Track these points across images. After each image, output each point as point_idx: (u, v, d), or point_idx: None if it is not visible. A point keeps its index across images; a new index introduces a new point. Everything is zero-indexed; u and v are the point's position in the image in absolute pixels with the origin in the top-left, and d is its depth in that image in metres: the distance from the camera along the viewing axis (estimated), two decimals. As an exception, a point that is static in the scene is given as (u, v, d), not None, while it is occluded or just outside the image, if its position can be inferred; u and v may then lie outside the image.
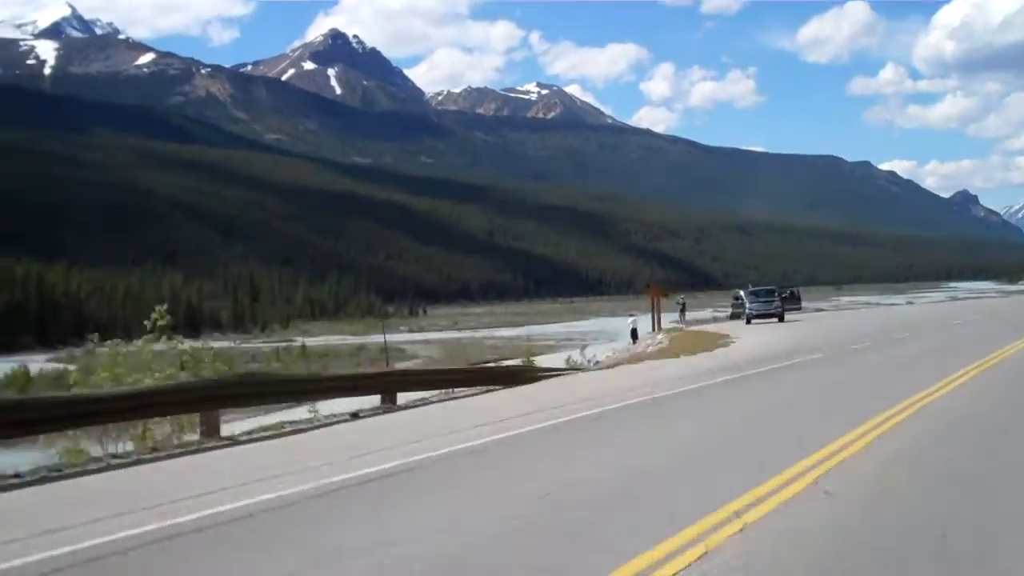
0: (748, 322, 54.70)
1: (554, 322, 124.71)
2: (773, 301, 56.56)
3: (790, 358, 24.51)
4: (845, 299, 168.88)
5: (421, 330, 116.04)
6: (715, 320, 67.08)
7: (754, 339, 35.17)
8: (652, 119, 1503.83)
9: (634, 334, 54.04)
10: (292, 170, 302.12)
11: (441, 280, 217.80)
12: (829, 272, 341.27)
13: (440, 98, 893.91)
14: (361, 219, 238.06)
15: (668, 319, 56.14)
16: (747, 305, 57.65)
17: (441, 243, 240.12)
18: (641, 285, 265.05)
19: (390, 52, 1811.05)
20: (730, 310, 66.54)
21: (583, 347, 39.40)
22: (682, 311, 62.44)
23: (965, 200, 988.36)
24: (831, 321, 59.68)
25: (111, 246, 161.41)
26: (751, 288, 65.07)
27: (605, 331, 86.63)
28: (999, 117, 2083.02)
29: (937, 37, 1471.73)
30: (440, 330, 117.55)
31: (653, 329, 51.54)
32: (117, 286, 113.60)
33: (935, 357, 23.67)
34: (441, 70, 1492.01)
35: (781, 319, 55.19)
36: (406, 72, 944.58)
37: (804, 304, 72.08)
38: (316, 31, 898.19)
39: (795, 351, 26.99)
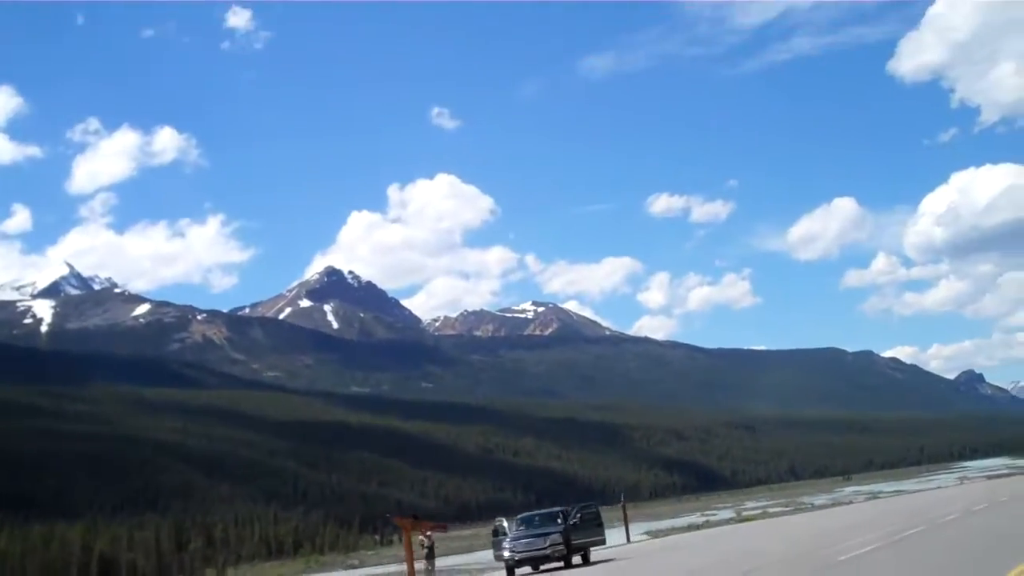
0: (510, 573, 38.50)
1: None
2: (550, 533, 38.57)
3: None
4: (850, 489, 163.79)
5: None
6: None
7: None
8: (652, 327, 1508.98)
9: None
10: (286, 405, 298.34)
11: (439, 502, 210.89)
12: (840, 462, 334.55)
13: (438, 324, 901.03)
14: (355, 448, 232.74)
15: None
16: (507, 543, 39.23)
17: (438, 466, 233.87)
18: (647, 489, 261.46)
19: (387, 284, 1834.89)
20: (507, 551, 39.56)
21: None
22: (429, 554, 40.91)
23: (971, 379, 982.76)
24: (736, 542, 43.59)
25: (89, 496, 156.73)
26: (521, 516, 45.08)
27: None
28: (994, 296, 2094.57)
29: (925, 224, 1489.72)
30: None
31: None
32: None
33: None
34: (439, 298, 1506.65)
35: (567, 563, 38.84)
36: (404, 302, 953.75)
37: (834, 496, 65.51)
38: (313, 271, 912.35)
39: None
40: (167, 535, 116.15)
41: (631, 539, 42.93)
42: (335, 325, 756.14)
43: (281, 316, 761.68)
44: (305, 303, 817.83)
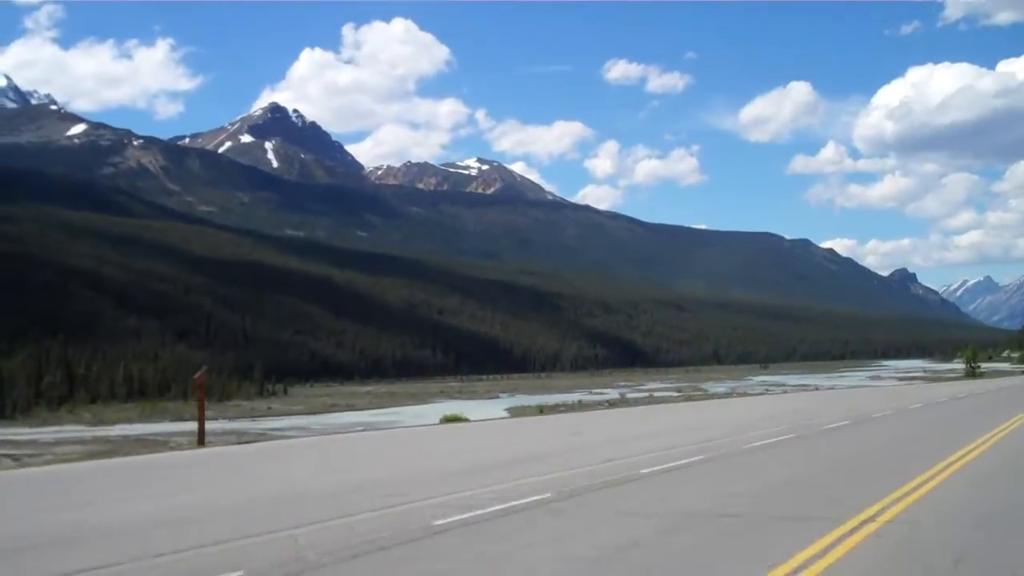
0: None
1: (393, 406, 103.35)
2: None
3: None
4: (758, 379, 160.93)
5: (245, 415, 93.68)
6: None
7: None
8: (596, 196, 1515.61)
9: None
10: (212, 241, 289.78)
11: (353, 355, 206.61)
12: (764, 349, 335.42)
13: (380, 173, 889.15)
14: (276, 292, 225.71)
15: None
16: None
17: (358, 317, 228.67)
18: (568, 360, 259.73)
19: (335, 128, 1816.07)
20: None
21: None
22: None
23: (904, 279, 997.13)
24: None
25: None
26: None
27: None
28: (937, 197, 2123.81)
29: (877, 117, 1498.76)
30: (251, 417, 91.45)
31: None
32: None
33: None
34: (387, 146, 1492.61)
35: None
36: (352, 147, 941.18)
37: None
38: (259, 107, 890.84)
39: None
40: (28, 368, 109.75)
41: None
42: (275, 164, 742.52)
43: (221, 150, 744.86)
44: (246, 138, 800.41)
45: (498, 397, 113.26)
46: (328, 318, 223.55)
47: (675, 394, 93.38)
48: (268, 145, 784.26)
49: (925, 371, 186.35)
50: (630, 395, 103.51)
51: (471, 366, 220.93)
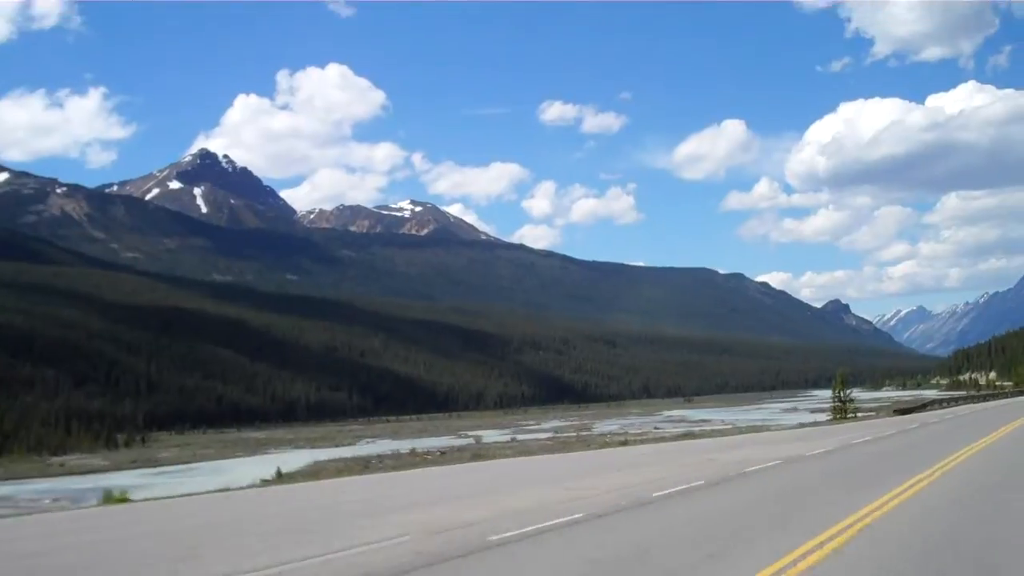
0: None
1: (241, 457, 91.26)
2: None
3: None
4: (669, 414, 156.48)
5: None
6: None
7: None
8: (534, 236, 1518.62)
9: None
10: (126, 287, 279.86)
11: (264, 399, 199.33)
12: (695, 383, 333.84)
13: (312, 216, 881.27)
14: (187, 337, 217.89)
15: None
16: None
17: (275, 361, 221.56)
18: (492, 399, 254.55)
19: (272, 173, 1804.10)
20: None
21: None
22: None
23: (837, 310, 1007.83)
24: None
25: None
26: None
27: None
28: (870, 230, 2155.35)
29: (809, 153, 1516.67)
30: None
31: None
32: None
33: None
34: (323, 191, 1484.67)
35: None
36: (288, 192, 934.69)
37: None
38: (190, 153, 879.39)
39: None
40: None
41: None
42: (204, 210, 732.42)
43: (149, 196, 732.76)
44: (175, 185, 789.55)
45: (356, 443, 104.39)
46: (242, 362, 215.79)
47: (545, 437, 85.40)
48: (197, 191, 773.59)
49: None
50: (501, 439, 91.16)
51: (391, 407, 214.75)
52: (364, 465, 41.78)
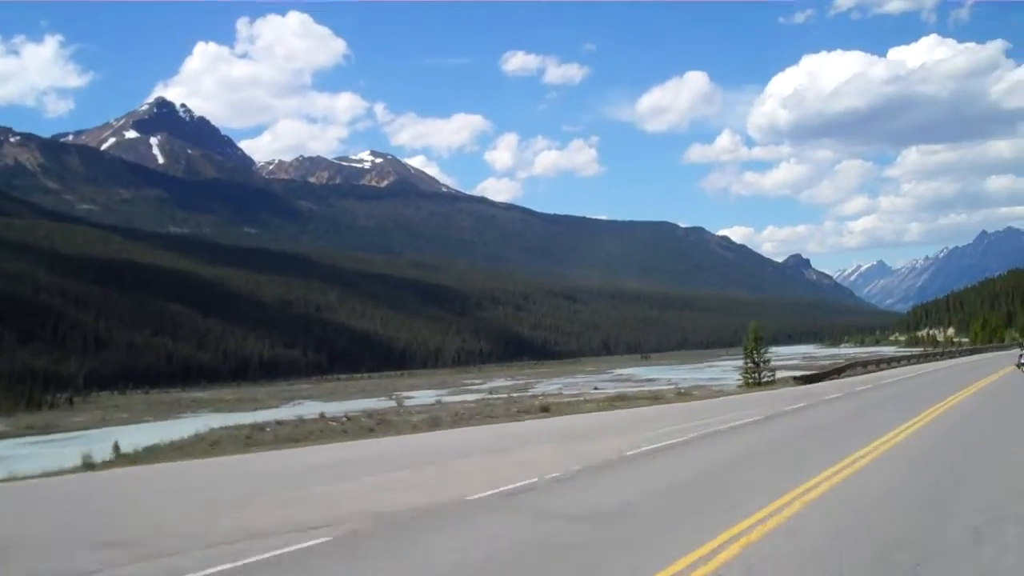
0: None
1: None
2: None
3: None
4: (617, 372, 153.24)
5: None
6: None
7: None
8: (496, 189, 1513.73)
9: None
10: (79, 240, 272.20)
11: (215, 356, 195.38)
12: (655, 338, 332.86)
13: (271, 167, 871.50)
14: (140, 292, 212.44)
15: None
16: None
17: (227, 316, 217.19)
18: (450, 355, 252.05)
19: (232, 123, 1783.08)
20: None
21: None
22: None
23: (798, 264, 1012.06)
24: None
25: None
26: None
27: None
28: (831, 184, 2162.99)
29: (771, 105, 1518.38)
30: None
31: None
32: None
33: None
34: (284, 141, 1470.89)
35: None
36: (249, 143, 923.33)
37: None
38: (147, 102, 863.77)
39: None
40: None
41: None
42: (160, 160, 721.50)
43: (104, 146, 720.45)
44: (131, 134, 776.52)
45: (283, 406, 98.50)
46: (193, 318, 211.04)
47: (473, 400, 77.93)
48: (154, 141, 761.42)
49: (809, 356, 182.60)
50: (426, 402, 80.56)
51: (346, 364, 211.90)
52: (247, 437, 37.83)
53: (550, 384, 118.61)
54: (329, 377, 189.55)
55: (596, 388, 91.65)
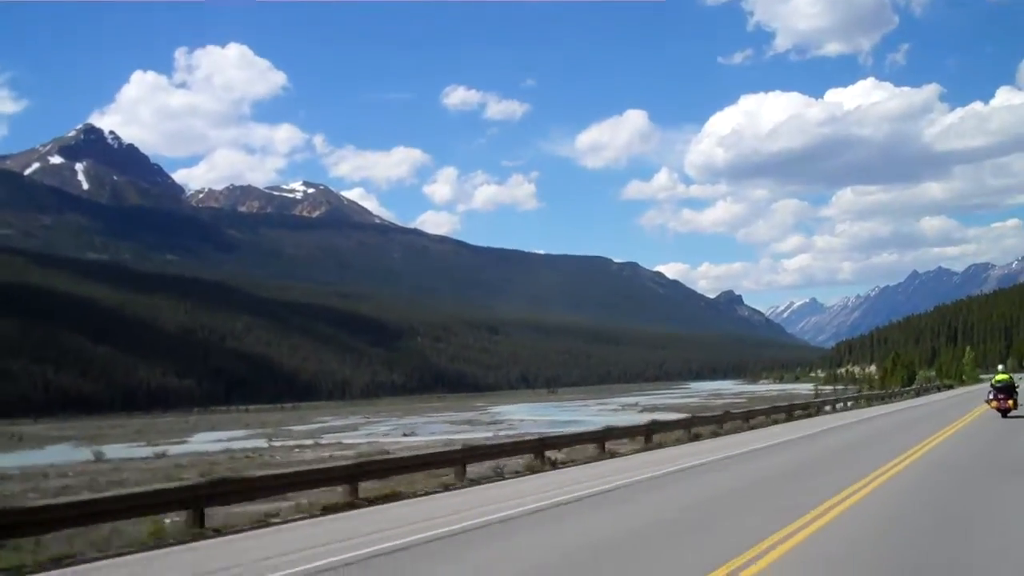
0: None
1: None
2: None
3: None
4: (504, 409, 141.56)
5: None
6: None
7: None
8: (435, 223, 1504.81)
9: None
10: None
11: (100, 384, 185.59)
12: (578, 372, 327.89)
13: (201, 196, 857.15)
14: (31, 317, 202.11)
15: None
16: None
17: (121, 343, 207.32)
18: (360, 387, 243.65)
19: (170, 152, 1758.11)
20: None
21: None
22: None
23: (730, 300, 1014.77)
24: None
25: None
26: None
27: None
28: (767, 222, 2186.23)
29: (708, 144, 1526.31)
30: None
31: None
32: None
33: None
34: (220, 171, 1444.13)
35: None
36: (185, 172, 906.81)
37: None
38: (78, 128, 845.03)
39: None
40: None
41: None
42: (85, 186, 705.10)
43: (28, 172, 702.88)
44: (56, 160, 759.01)
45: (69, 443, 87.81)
46: (84, 345, 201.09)
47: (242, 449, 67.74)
48: (79, 167, 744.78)
49: (714, 393, 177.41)
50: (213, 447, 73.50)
51: (245, 394, 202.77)
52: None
53: (386, 424, 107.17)
54: (217, 408, 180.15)
55: (406, 434, 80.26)
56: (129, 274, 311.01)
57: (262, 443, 73.67)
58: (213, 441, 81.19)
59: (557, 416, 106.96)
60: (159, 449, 65.93)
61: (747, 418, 40.52)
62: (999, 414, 38.37)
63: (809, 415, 48.70)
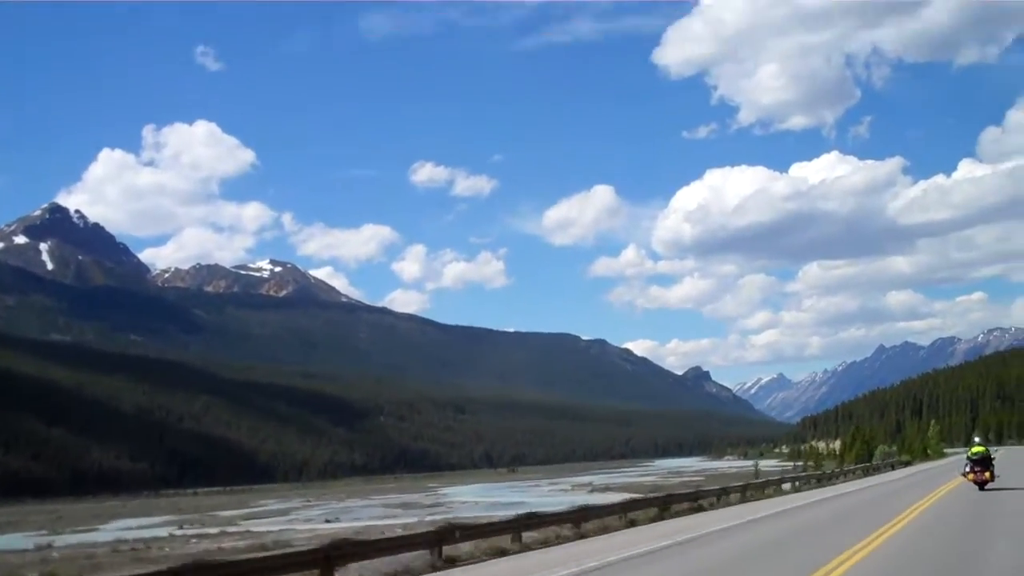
0: None
1: None
2: None
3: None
4: (453, 490, 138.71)
5: None
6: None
7: None
8: (404, 301, 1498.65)
9: None
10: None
11: (50, 467, 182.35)
12: (543, 450, 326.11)
13: (167, 275, 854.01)
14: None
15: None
16: None
17: (76, 425, 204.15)
18: (318, 467, 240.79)
19: (137, 231, 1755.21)
20: None
21: None
22: None
23: (698, 377, 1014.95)
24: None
25: None
26: None
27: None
28: (735, 298, 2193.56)
29: (675, 220, 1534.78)
30: None
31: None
32: None
33: None
34: (188, 250, 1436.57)
35: None
36: (153, 251, 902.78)
37: None
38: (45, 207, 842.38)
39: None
40: None
41: None
42: (49, 266, 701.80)
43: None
44: (21, 240, 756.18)
45: None
46: (36, 427, 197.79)
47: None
48: (43, 247, 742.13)
49: (677, 470, 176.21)
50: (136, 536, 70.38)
51: (199, 477, 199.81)
52: None
53: (324, 507, 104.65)
54: (166, 492, 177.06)
55: (328, 521, 78.78)
56: (90, 355, 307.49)
57: (169, 531, 72.31)
58: (124, 529, 79.66)
59: (504, 498, 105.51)
60: (50, 539, 64.41)
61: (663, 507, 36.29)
62: (976, 487, 37.51)
63: (721, 506, 40.68)
